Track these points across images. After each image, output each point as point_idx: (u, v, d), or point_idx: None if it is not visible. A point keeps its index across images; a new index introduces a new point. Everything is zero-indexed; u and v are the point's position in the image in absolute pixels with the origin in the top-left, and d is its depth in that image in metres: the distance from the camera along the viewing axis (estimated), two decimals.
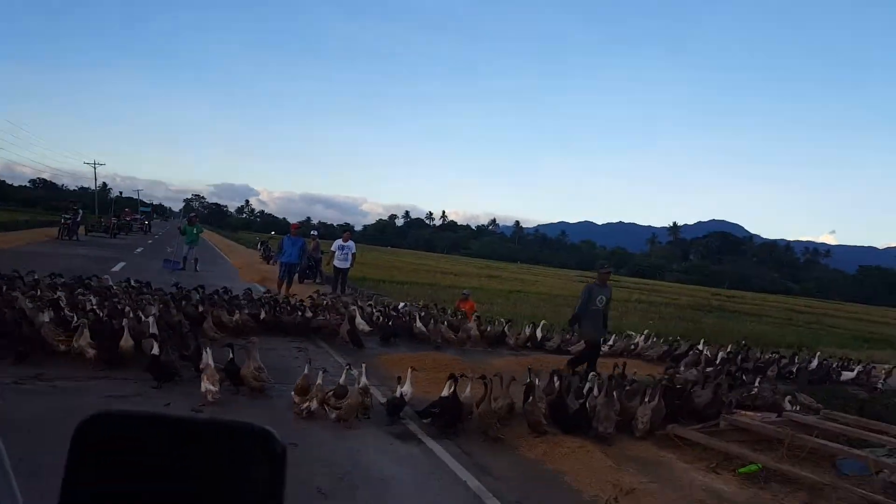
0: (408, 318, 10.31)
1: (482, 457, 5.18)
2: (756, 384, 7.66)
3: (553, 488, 4.69)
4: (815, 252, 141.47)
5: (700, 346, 10.97)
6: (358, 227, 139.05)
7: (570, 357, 9.01)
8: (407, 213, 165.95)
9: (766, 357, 11.14)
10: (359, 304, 10.87)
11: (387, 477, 4.52)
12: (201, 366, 5.87)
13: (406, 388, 5.88)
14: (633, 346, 11.35)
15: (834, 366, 11.29)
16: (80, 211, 28.93)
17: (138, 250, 25.50)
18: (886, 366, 11.85)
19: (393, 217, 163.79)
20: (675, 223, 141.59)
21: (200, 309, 8.58)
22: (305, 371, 5.80)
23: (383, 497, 4.18)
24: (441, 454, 5.11)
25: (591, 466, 5.02)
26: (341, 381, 5.80)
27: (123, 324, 6.53)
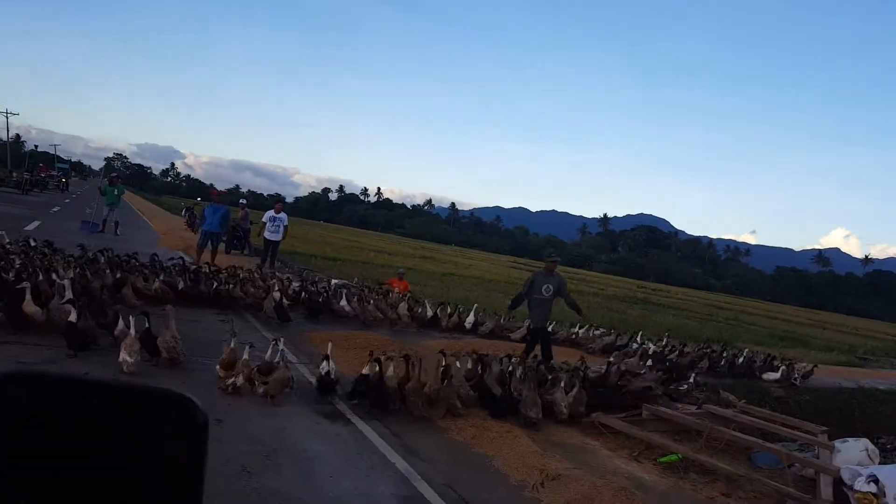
0: (326, 294, 9.90)
1: (411, 439, 5.13)
2: (691, 379, 7.93)
3: (481, 472, 4.71)
4: (735, 250, 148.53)
5: (638, 339, 11.26)
6: (289, 199, 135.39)
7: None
8: (341, 187, 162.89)
9: (700, 351, 11.51)
10: (277, 277, 10.51)
11: (313, 456, 4.40)
12: (116, 332, 5.66)
13: (332, 365, 5.70)
14: (573, 336, 11.44)
15: (758, 364, 11.78)
16: None
17: (55, 209, 23.95)
18: (806, 364, 12.47)
19: (326, 191, 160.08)
20: (605, 215, 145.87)
21: (118, 275, 8.06)
22: (231, 345, 5.56)
23: (310, 476, 4.06)
24: (369, 435, 5.03)
25: (518, 451, 5.07)
26: (267, 356, 5.61)
27: (25, 286, 6.05)
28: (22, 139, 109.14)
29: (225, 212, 13.83)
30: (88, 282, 7.27)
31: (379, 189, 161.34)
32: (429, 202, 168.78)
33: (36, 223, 16.59)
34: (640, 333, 11.88)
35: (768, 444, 5.55)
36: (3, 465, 0.57)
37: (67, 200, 31.87)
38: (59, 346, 5.58)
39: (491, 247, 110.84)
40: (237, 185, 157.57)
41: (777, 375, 11.28)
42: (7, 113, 64.57)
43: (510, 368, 6.41)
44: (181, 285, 8.62)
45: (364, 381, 5.59)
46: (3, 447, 0.57)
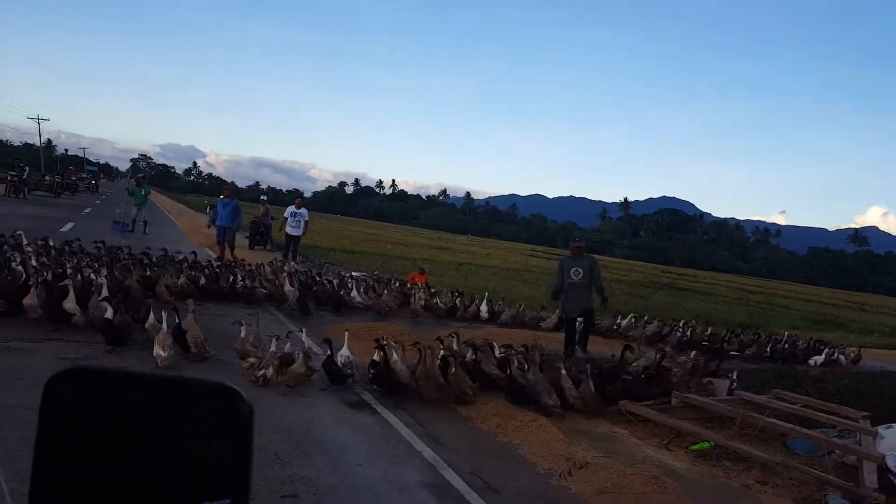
0: (333, 286, 9.92)
1: (436, 427, 5.14)
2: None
3: (507, 460, 4.69)
4: (765, 232, 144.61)
5: (681, 327, 11.11)
6: (307, 194, 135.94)
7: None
8: (357, 180, 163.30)
9: (748, 338, 11.36)
10: (287, 270, 10.56)
11: (341, 445, 4.44)
12: (147, 326, 5.94)
13: (344, 352, 5.84)
14: (615, 326, 11.21)
15: (801, 347, 11.55)
16: (27, 168, 27.76)
17: (86, 211, 24.51)
18: (854, 348, 12.11)
19: (343, 184, 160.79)
20: (626, 199, 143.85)
21: (148, 273, 8.40)
22: (242, 334, 5.82)
23: (339, 464, 4.10)
24: (395, 423, 5.06)
25: (543, 440, 5.04)
26: (286, 348, 5.72)
27: (68, 283, 6.36)
28: (53, 143, 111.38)
29: (234, 206, 13.99)
30: (121, 280, 7.58)
31: (394, 181, 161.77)
32: (444, 192, 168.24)
33: (70, 224, 17.01)
34: (684, 322, 11.71)
35: (805, 431, 5.38)
36: (57, 461, 0.59)
37: (98, 202, 32.49)
38: (97, 342, 5.79)
39: (508, 235, 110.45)
40: (257, 182, 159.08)
41: (822, 359, 10.98)
42: (38, 118, 66.02)
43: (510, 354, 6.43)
44: (202, 281, 8.83)
45: (374, 366, 5.72)
46: (62, 443, 0.59)
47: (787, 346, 11.34)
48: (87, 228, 16.59)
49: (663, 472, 4.57)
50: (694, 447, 5.18)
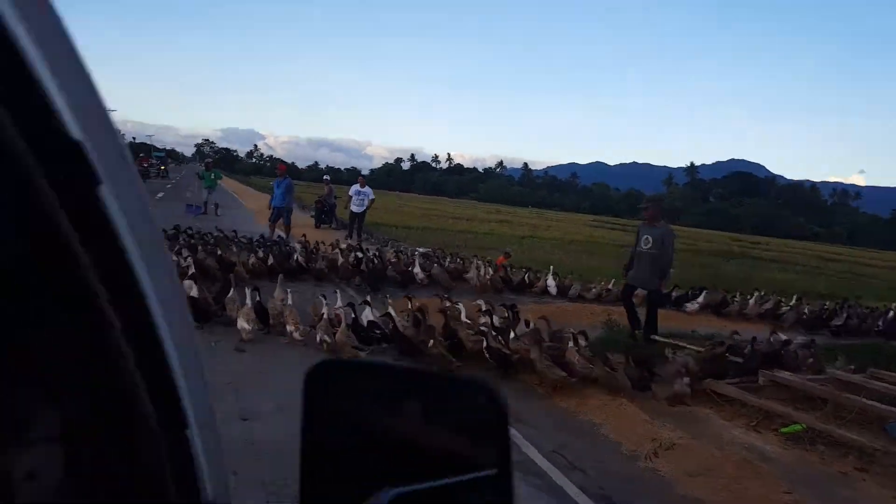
0: (381, 261, 10.12)
1: (515, 404, 5.10)
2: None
3: (590, 439, 4.65)
4: (843, 194, 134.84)
5: (792, 302, 10.81)
6: (365, 172, 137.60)
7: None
8: (413, 156, 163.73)
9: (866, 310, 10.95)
10: (340, 247, 10.87)
11: None
12: (226, 301, 6.41)
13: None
14: (731, 303, 10.75)
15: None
16: None
17: (160, 195, 25.61)
18: None
19: (399, 160, 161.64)
20: (692, 163, 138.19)
21: (219, 253, 9.04)
22: (322, 309, 6.12)
23: None
24: None
25: (626, 419, 4.96)
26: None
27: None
28: (122, 132, 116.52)
29: (287, 184, 13.92)
30: (201, 260, 8.18)
31: (449, 155, 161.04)
32: (500, 164, 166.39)
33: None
34: (796, 297, 11.36)
35: None
36: (321, 444, 0.64)
37: (169, 186, 33.89)
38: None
39: (569, 206, 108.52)
40: (316, 162, 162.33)
41: None
42: (108, 109, 69.43)
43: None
44: (270, 261, 9.20)
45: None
46: (325, 431, 0.64)
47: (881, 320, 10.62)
48: (164, 212, 17.34)
49: (754, 456, 4.40)
50: (785, 430, 4.95)
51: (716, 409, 5.42)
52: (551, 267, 11.35)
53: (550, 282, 10.64)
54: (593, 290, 10.71)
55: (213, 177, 18.47)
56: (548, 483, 3.78)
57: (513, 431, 4.44)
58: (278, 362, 5.43)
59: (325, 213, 19.78)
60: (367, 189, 16.19)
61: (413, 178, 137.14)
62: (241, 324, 5.83)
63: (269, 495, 3.16)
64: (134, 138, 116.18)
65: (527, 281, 10.67)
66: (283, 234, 13.25)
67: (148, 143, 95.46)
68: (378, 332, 6.08)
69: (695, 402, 5.50)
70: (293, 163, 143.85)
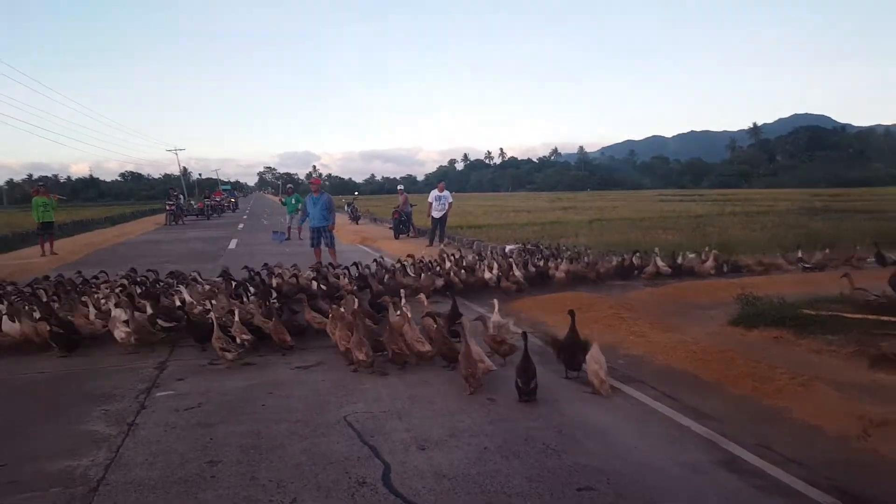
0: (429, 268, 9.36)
1: (690, 399, 4.84)
2: None
3: (785, 426, 4.27)
4: None
5: None
6: (420, 177, 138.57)
7: None
8: (465, 155, 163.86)
9: None
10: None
11: (604, 427, 4.28)
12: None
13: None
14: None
15: None
16: (181, 197, 31.15)
17: (240, 227, 26.57)
18: None
19: (453, 161, 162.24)
20: (755, 124, 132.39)
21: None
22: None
23: (614, 448, 3.92)
24: (645, 400, 4.83)
25: (815, 399, 4.58)
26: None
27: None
28: (188, 171, 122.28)
29: (326, 200, 12.12)
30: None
31: (501, 150, 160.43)
32: (555, 151, 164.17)
33: (234, 241, 18.53)
34: None
35: None
36: None
37: (245, 216, 35.17)
38: (318, 348, 6.39)
39: (630, 184, 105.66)
40: (372, 175, 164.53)
41: None
42: (176, 150, 73.10)
43: None
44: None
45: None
46: None
47: None
48: (250, 242, 17.95)
49: None
50: None
51: None
52: (656, 249, 10.93)
53: (660, 262, 10.26)
54: (706, 263, 10.31)
55: (293, 202, 18.94)
56: (772, 483, 3.47)
57: (702, 428, 4.20)
58: (433, 384, 5.34)
59: (402, 223, 19.93)
60: (446, 193, 16.28)
61: (468, 177, 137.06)
62: (356, 355, 5.47)
63: None
64: (200, 174, 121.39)
65: (631, 263, 10.31)
66: (332, 261, 11.37)
67: (214, 177, 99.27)
68: None
69: (876, 369, 5.06)
70: (350, 178, 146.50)
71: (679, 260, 10.45)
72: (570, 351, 5.39)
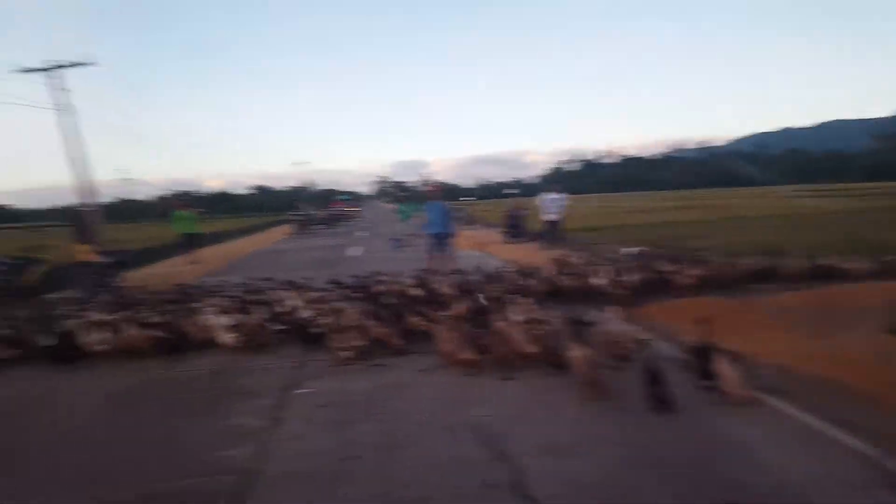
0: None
1: (842, 412, 4.41)
2: None
3: None
4: None
5: None
6: (526, 181, 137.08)
7: None
8: (578, 155, 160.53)
9: None
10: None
11: (747, 440, 4.02)
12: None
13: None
14: None
15: None
16: (308, 208, 33.66)
17: (366, 234, 27.88)
18: None
19: (565, 162, 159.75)
20: None
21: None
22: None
23: (761, 461, 3.69)
24: (791, 411, 4.47)
25: None
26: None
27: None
28: (314, 183, 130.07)
29: (444, 207, 11.85)
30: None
31: (614, 149, 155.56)
32: (676, 147, 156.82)
33: (361, 249, 19.47)
34: None
35: None
36: None
37: (365, 225, 36.93)
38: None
39: (762, 180, 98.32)
40: (483, 180, 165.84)
41: None
42: (302, 163, 78.30)
43: None
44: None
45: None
46: None
47: None
48: (374, 249, 18.73)
49: None
50: None
51: None
52: (796, 250, 10.11)
53: (801, 264, 9.46)
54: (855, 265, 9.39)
55: (408, 209, 19.65)
56: None
57: (856, 442, 3.85)
58: (556, 390, 5.23)
59: (515, 228, 19.92)
60: (561, 195, 16.10)
61: (583, 178, 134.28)
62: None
63: None
64: (317, 186, 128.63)
65: (770, 267, 9.57)
66: (446, 268, 10.69)
67: (335, 188, 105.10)
68: None
69: None
70: (457, 184, 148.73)
71: (824, 261, 9.57)
72: (703, 358, 5.11)
